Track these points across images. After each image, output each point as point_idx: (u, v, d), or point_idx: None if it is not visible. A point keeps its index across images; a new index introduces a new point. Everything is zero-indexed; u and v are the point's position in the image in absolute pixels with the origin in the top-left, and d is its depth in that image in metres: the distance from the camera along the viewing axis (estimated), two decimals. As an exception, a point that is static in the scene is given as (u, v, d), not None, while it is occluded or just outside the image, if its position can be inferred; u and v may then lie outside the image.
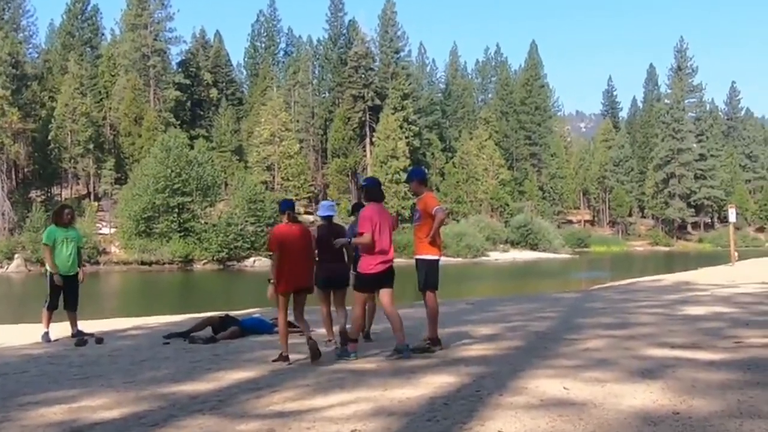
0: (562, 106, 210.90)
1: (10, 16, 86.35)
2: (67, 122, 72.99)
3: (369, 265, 7.60)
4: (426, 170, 8.79)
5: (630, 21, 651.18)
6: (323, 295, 9.04)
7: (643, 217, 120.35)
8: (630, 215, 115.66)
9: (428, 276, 8.01)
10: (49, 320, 10.90)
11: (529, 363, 6.73)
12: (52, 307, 10.83)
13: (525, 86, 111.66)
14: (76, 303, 11.06)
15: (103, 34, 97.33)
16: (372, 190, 7.95)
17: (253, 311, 14.30)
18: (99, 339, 10.53)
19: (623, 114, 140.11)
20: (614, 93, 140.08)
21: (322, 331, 9.28)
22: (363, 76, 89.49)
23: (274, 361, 7.54)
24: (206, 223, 65.73)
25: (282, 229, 7.81)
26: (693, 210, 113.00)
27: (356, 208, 9.48)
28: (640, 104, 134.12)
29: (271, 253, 7.86)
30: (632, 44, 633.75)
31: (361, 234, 7.59)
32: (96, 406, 5.67)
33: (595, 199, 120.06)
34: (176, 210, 64.06)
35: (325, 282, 8.82)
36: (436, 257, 8.08)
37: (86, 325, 11.60)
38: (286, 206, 8.03)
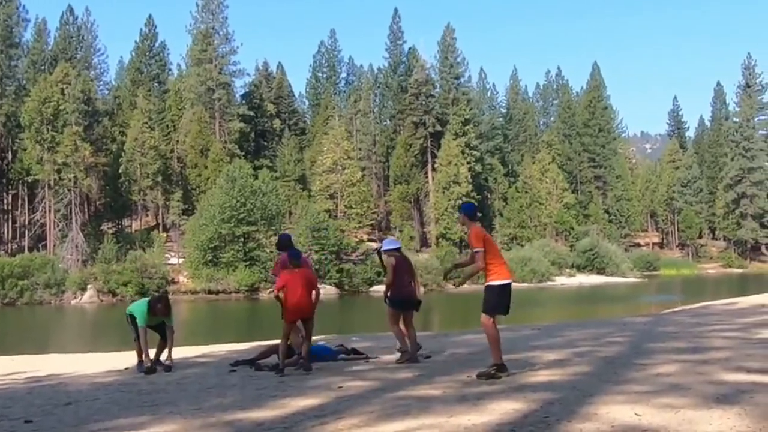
0: (626, 127, 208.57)
1: (83, 55, 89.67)
2: (136, 156, 75.07)
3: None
4: (475, 204, 8.84)
5: (694, 39, 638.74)
6: (395, 313, 10.06)
7: (715, 238, 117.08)
8: (700, 237, 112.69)
9: (485, 301, 7.91)
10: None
11: (598, 389, 6.56)
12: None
13: (587, 108, 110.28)
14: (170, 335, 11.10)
15: (170, 70, 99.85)
16: (283, 242, 10.86)
17: (318, 339, 14.32)
18: (167, 367, 10.69)
19: (690, 134, 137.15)
20: (680, 113, 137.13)
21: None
22: (423, 102, 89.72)
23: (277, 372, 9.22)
24: (271, 251, 66.42)
25: (286, 275, 9.54)
26: (767, 230, 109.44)
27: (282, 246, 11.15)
28: (707, 123, 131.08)
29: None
30: (698, 63, 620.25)
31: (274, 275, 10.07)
32: (164, 433, 5.73)
33: (663, 221, 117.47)
34: (242, 239, 64.98)
35: (401, 303, 10.03)
36: (496, 283, 7.94)
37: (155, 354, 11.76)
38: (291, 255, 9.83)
